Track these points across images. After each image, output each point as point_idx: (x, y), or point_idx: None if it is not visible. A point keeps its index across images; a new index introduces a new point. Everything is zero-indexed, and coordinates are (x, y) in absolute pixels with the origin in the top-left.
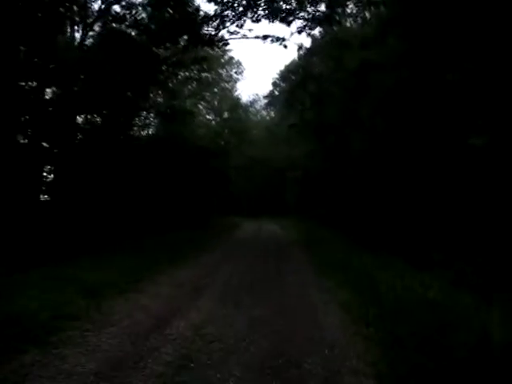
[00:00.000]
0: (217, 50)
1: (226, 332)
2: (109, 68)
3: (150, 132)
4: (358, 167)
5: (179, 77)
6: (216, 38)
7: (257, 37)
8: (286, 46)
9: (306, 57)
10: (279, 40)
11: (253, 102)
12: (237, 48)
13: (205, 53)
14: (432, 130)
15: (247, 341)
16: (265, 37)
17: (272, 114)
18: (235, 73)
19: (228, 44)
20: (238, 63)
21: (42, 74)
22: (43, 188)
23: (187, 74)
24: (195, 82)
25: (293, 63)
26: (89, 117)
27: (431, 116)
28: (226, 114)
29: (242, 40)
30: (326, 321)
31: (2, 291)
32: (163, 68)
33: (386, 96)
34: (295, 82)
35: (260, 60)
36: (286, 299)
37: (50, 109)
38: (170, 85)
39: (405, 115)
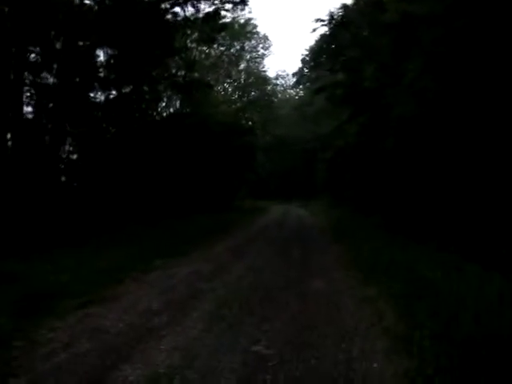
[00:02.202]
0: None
1: None
2: (111, 29)
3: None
4: (400, 138)
5: (200, 48)
6: None
7: None
8: None
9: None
10: None
11: (279, 77)
12: (263, 20)
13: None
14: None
15: None
16: None
17: (301, 93)
18: (262, 48)
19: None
20: (265, 37)
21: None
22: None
23: (199, 35)
24: (216, 52)
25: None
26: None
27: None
28: (252, 92)
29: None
30: (369, 369)
31: None
32: (172, 29)
33: (437, 49)
34: (324, 35)
35: (289, 33)
36: (308, 318)
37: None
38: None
39: (467, 69)
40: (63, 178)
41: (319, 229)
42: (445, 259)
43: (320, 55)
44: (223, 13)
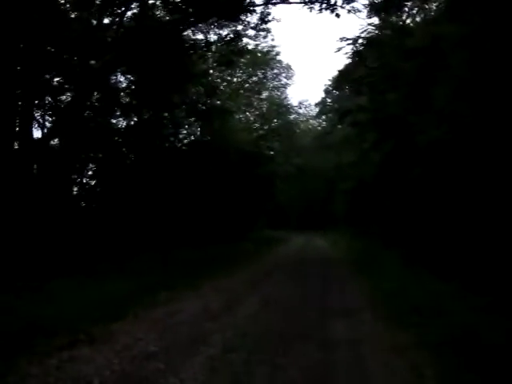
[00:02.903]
0: (259, 37)
1: None
2: (129, 50)
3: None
4: (428, 166)
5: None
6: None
7: (303, 2)
8: (338, 15)
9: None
10: (330, 7)
11: (301, 106)
12: (287, 50)
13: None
14: None
15: None
16: (311, 1)
17: (323, 123)
18: (285, 77)
19: (268, 20)
20: (288, 67)
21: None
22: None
23: (216, 57)
24: (237, 80)
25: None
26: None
27: None
28: (274, 121)
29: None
30: None
31: None
32: (194, 55)
33: (466, 73)
34: (350, 55)
35: (311, 64)
36: (329, 373)
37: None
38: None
39: (500, 92)
40: (82, 203)
41: (340, 262)
42: (480, 302)
43: (346, 78)
44: (246, 40)
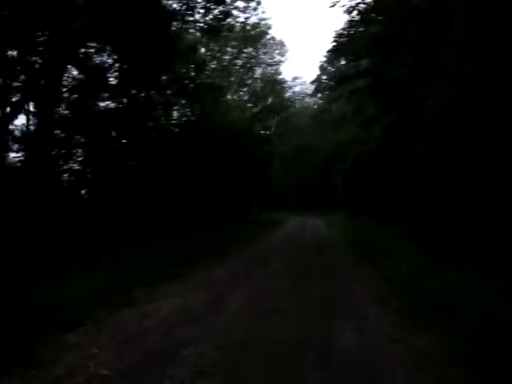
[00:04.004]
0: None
1: None
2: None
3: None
4: (436, 135)
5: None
6: None
7: None
8: None
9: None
10: None
11: (296, 82)
12: (279, 26)
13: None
14: None
15: None
16: None
17: (319, 102)
18: (278, 54)
19: None
20: (281, 43)
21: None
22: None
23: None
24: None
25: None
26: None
27: None
28: (269, 100)
29: None
30: None
31: None
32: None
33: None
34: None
35: (305, 41)
36: None
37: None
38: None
39: None
40: (71, 191)
41: (341, 245)
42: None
43: (345, 41)
44: (235, 12)
